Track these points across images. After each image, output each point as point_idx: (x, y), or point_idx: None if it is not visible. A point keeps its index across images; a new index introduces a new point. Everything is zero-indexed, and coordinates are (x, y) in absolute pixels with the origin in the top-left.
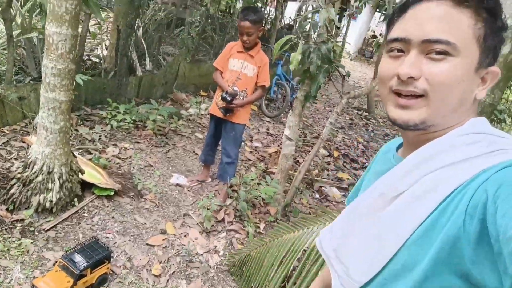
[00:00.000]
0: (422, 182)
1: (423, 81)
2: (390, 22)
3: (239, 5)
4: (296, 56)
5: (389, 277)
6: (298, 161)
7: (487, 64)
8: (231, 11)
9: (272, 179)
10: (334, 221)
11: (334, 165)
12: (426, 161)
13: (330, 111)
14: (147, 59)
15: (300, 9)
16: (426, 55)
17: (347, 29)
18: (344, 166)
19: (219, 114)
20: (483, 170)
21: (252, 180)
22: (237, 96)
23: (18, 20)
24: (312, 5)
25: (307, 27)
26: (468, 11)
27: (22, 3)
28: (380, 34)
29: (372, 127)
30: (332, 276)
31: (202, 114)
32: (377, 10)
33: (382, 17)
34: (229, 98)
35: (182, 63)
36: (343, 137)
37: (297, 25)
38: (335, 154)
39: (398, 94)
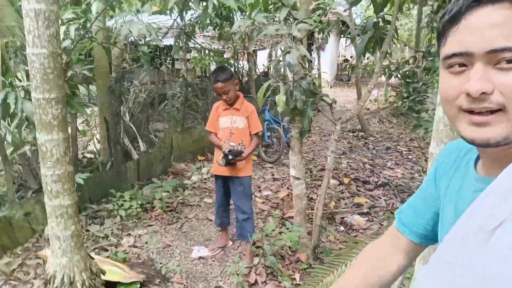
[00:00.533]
0: None
1: (498, 94)
2: (442, 35)
3: (213, 67)
4: (281, 98)
5: None
6: (312, 198)
7: None
8: (207, 74)
9: (292, 224)
10: (431, 263)
11: (348, 192)
12: None
13: (327, 141)
14: (140, 141)
15: (270, 55)
16: (494, 66)
17: (319, 61)
18: (358, 190)
19: (223, 172)
20: None
21: (273, 230)
22: (235, 148)
23: (9, 138)
24: (281, 48)
25: (282, 69)
26: None
27: (9, 121)
28: (351, 57)
29: (372, 145)
30: None
31: (205, 179)
32: (341, 35)
33: (348, 41)
34: (230, 157)
35: (174, 135)
36: (348, 162)
37: (271, 70)
38: (346, 181)
39: (471, 111)
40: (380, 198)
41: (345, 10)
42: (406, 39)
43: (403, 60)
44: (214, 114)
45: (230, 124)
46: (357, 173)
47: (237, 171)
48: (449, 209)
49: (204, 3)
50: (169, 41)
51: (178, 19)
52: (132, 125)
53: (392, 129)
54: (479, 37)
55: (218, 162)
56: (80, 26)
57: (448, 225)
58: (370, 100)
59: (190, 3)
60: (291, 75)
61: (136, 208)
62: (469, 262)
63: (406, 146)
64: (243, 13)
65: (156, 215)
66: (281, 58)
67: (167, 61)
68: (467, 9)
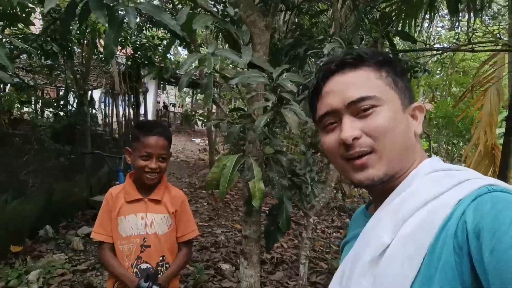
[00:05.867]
0: (404, 228)
1: (366, 138)
2: (311, 106)
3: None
4: (258, 186)
5: None
6: None
7: (408, 102)
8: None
9: None
10: None
11: None
12: (401, 205)
13: None
14: None
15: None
16: (357, 116)
17: (145, 107)
18: None
19: None
20: (459, 201)
21: None
22: (153, 276)
23: None
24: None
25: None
26: (369, 69)
27: None
28: (171, 104)
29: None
30: None
31: None
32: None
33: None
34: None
35: None
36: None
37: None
38: None
39: (351, 159)
40: None
41: None
42: None
43: None
44: (107, 210)
45: (143, 229)
46: None
47: None
48: (346, 250)
49: None
50: None
51: None
52: None
53: None
54: (339, 95)
55: None
56: None
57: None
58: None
59: None
60: (257, 144)
61: None
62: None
63: None
64: None
65: None
66: None
67: None
68: (324, 79)
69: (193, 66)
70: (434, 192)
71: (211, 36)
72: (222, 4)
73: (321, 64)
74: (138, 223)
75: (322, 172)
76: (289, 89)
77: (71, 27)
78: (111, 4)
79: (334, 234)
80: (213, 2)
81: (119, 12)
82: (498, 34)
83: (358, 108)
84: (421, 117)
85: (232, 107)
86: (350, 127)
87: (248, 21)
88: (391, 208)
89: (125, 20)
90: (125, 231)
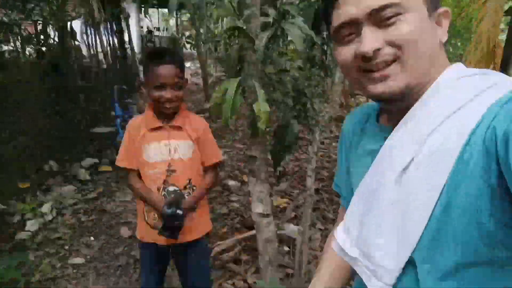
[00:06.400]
0: (432, 139)
1: (389, 48)
2: (325, 16)
3: None
4: (262, 107)
5: (431, 246)
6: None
7: (434, 8)
8: None
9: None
10: (345, 219)
11: None
12: (429, 115)
13: None
14: None
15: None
16: (379, 25)
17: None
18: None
19: (161, 241)
20: (491, 105)
21: None
22: (179, 198)
23: None
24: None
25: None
26: None
27: None
28: (155, 28)
29: None
30: (364, 279)
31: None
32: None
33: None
34: (179, 212)
35: None
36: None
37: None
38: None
39: (369, 71)
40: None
41: None
42: None
43: None
44: (132, 141)
45: (167, 155)
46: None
47: (187, 232)
48: (358, 165)
49: None
50: None
51: None
52: None
53: None
54: (359, 3)
55: (150, 224)
56: None
57: (358, 179)
58: None
59: None
60: (258, 64)
61: None
62: (381, 200)
63: None
64: None
65: None
66: None
67: None
68: None
69: None
70: (464, 98)
71: None
72: None
73: None
74: (162, 150)
75: (320, 85)
76: (290, 1)
77: None
78: None
79: (333, 144)
80: None
81: None
82: None
83: (381, 17)
84: (447, 24)
85: (221, 27)
86: (371, 38)
87: None
88: (417, 120)
89: None
90: (150, 157)
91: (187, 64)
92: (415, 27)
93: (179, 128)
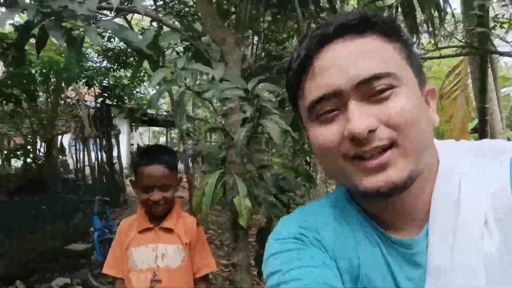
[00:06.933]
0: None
1: (384, 129)
2: (293, 90)
3: None
4: (243, 203)
5: None
6: None
7: (423, 83)
8: None
9: None
10: None
11: None
12: (467, 207)
13: None
14: None
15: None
16: (369, 100)
17: (118, 149)
18: None
19: None
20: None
21: None
22: None
23: None
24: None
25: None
26: (379, 37)
27: None
28: (145, 145)
29: None
30: None
31: None
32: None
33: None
34: None
35: None
36: None
37: None
38: None
39: (360, 159)
40: None
41: None
42: None
43: None
44: (119, 244)
45: (154, 261)
46: None
47: None
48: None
49: None
50: None
51: None
52: None
53: None
54: (343, 72)
55: None
56: None
57: None
58: None
59: None
60: (239, 162)
61: None
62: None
63: None
64: None
65: None
66: None
67: None
68: (317, 49)
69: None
70: (491, 170)
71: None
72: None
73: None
74: (148, 255)
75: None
76: (266, 98)
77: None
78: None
79: None
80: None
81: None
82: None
83: (371, 89)
84: (434, 104)
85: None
86: (362, 116)
87: (217, 39)
88: (458, 225)
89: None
90: (135, 264)
91: None
92: (412, 103)
93: (169, 230)
